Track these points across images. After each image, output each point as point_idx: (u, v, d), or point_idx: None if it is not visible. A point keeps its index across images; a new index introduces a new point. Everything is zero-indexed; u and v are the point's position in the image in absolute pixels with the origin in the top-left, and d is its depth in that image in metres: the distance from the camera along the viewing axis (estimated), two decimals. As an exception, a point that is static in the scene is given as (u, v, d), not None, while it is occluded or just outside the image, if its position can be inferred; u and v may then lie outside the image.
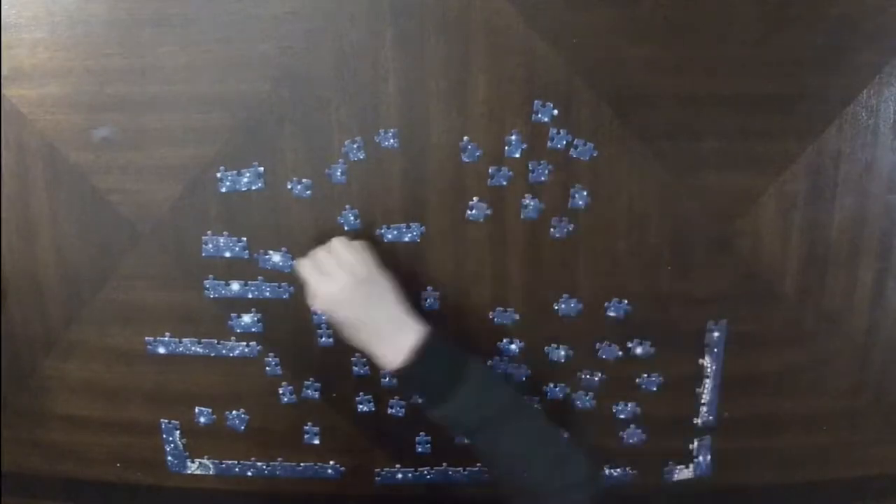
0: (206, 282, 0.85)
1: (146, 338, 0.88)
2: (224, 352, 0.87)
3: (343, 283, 0.72)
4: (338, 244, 0.75)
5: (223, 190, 0.82)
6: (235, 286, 0.85)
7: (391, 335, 0.71)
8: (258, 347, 0.87)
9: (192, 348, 0.88)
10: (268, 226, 0.83)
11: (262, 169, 0.82)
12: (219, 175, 0.82)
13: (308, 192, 0.82)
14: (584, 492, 0.71)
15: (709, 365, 0.87)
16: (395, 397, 0.89)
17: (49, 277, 0.87)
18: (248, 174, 0.82)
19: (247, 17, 0.78)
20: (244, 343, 0.87)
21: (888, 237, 0.84)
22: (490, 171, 0.81)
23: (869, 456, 0.92)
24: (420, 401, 0.72)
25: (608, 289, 0.85)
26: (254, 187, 0.82)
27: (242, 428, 0.91)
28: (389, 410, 0.89)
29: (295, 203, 0.83)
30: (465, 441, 0.73)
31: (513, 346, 0.86)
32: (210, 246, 0.84)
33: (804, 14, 0.77)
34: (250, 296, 0.85)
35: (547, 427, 0.74)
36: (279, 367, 0.88)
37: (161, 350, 0.88)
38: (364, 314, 0.72)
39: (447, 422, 0.71)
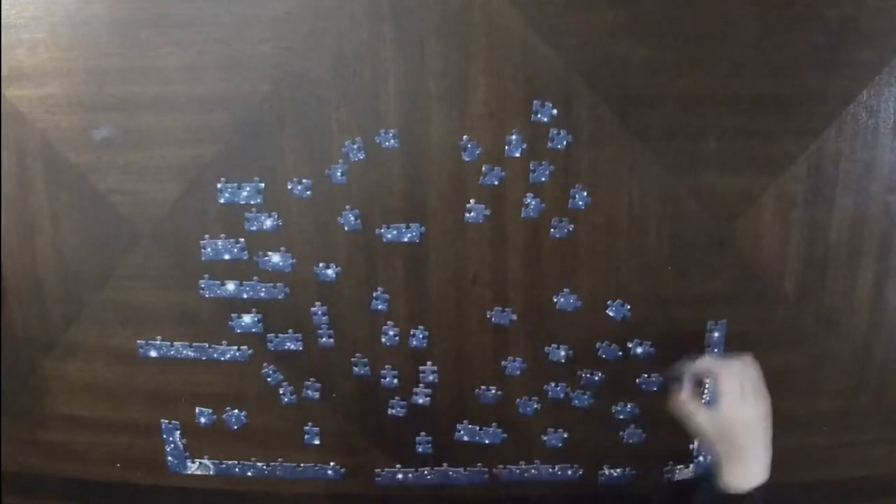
0: (201, 282, 0.85)
1: (137, 341, 0.88)
2: (215, 356, 0.87)
3: (757, 413, 0.71)
4: (751, 367, 0.74)
5: (221, 201, 0.82)
6: (231, 286, 0.85)
7: (749, 464, 0.70)
8: (249, 352, 0.87)
9: (184, 352, 0.88)
10: (267, 227, 0.83)
11: (262, 185, 0.82)
12: (219, 186, 0.82)
13: (308, 192, 0.82)
14: None
15: (709, 365, 0.87)
16: (396, 397, 0.89)
17: (49, 277, 0.87)
18: (247, 188, 0.82)
19: (247, 17, 0.78)
20: (235, 347, 0.87)
21: (888, 237, 0.84)
22: (483, 169, 0.81)
23: (869, 456, 0.92)
24: None
25: (608, 289, 0.85)
26: (252, 202, 0.82)
27: (242, 428, 0.91)
28: (390, 411, 0.89)
29: (295, 203, 0.83)
30: None
31: (513, 347, 0.87)
32: (209, 250, 0.84)
33: (804, 14, 0.77)
34: (245, 296, 0.85)
35: None
36: (278, 374, 0.88)
37: (153, 353, 0.88)
38: (745, 436, 0.71)
39: None
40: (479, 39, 0.78)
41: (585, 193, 0.82)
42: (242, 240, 0.84)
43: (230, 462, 0.92)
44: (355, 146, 0.81)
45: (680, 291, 0.85)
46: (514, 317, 0.85)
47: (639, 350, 0.87)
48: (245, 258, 0.84)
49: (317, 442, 0.91)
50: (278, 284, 0.85)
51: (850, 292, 0.85)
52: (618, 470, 0.91)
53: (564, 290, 0.85)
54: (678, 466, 0.91)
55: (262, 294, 0.85)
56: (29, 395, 0.91)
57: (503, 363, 0.87)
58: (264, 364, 0.88)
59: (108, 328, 0.88)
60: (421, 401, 0.88)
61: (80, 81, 0.80)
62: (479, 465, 0.91)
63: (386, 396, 0.89)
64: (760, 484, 0.70)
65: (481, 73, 0.79)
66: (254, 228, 0.83)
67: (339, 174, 0.82)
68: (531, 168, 0.81)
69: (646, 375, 0.87)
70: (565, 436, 0.89)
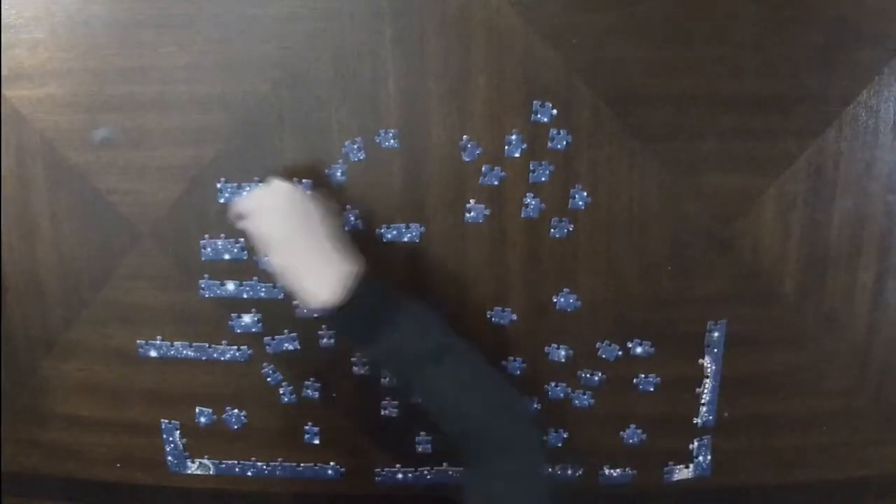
0: (201, 282, 0.85)
1: (137, 341, 0.88)
2: (215, 356, 0.87)
3: (275, 221, 0.70)
4: (272, 184, 0.74)
5: (221, 201, 0.82)
6: (231, 286, 0.85)
7: (320, 270, 0.68)
8: (249, 352, 0.87)
9: (184, 352, 0.88)
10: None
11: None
12: (219, 186, 0.82)
13: (308, 192, 0.82)
14: (535, 432, 0.71)
15: (709, 365, 0.87)
16: (393, 398, 0.89)
17: (49, 277, 0.87)
18: (247, 188, 0.82)
19: (247, 17, 0.78)
20: (235, 347, 0.87)
21: (888, 237, 0.84)
22: (483, 169, 0.81)
23: (869, 456, 0.92)
24: (353, 338, 0.69)
25: (608, 289, 0.85)
26: None
27: (242, 428, 0.91)
28: (388, 411, 0.89)
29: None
30: (398, 381, 0.69)
31: (513, 348, 0.87)
32: (209, 250, 0.84)
33: (804, 14, 0.77)
34: (245, 296, 0.85)
35: (487, 368, 0.72)
36: (278, 374, 0.88)
37: (153, 353, 0.88)
38: (295, 249, 0.70)
39: (381, 357, 0.69)
40: (479, 39, 0.78)
41: (585, 193, 0.82)
42: (242, 240, 0.84)
43: (230, 462, 0.92)
44: (355, 146, 0.81)
45: (680, 291, 0.85)
46: (514, 317, 0.85)
47: (639, 350, 0.87)
48: (245, 258, 0.84)
49: (317, 442, 0.91)
50: (278, 284, 0.85)
51: (850, 292, 0.85)
52: (618, 470, 0.91)
53: (564, 290, 0.85)
54: (678, 466, 0.91)
55: (262, 294, 0.85)
56: (29, 395, 0.91)
57: (503, 363, 0.87)
58: (264, 364, 0.88)
59: (108, 328, 0.88)
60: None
61: (80, 81, 0.80)
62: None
63: (386, 396, 0.89)
64: (335, 304, 0.66)
65: (481, 73, 0.79)
66: (254, 228, 0.83)
67: (339, 174, 0.82)
68: (531, 168, 0.81)
69: (644, 376, 0.87)
70: (565, 436, 0.89)
